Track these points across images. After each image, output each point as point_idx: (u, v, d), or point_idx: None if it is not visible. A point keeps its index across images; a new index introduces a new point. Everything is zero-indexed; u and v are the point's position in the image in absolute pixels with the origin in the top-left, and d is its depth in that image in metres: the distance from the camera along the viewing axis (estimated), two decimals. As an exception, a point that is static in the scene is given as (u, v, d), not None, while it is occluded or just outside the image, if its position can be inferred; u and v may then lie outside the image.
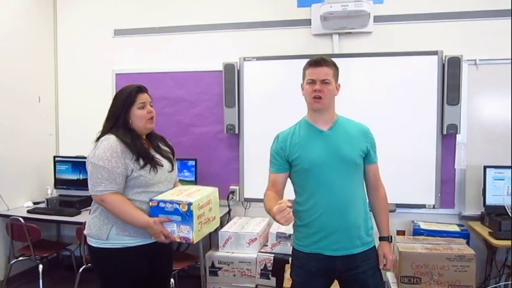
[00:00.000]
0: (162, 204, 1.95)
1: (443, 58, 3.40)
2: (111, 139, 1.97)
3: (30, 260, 3.64)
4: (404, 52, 3.51)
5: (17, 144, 3.90)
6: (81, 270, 3.47)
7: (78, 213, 3.69)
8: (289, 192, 2.06)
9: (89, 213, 2.16)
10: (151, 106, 2.09)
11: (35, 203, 3.97)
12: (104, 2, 4.23)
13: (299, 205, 2.01)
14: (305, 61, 3.67)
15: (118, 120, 2.02)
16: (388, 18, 3.63)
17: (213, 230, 2.23)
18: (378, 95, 3.51)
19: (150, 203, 1.98)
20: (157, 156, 2.08)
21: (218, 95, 3.83)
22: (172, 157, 2.19)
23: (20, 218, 3.45)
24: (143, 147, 2.03)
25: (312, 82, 1.95)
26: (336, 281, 2.04)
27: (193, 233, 1.94)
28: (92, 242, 2.04)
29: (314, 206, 1.95)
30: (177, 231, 1.95)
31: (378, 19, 3.61)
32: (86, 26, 4.28)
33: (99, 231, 2.01)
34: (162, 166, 2.06)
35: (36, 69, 4.16)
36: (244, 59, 3.76)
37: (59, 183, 4.15)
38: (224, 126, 3.80)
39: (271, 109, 3.72)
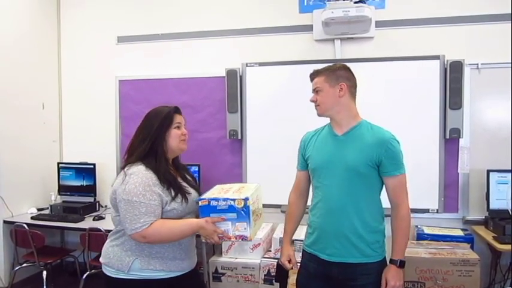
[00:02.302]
0: (213, 203, 1.82)
1: (445, 62, 3.41)
2: (140, 172, 1.82)
3: (34, 266, 3.66)
4: (406, 57, 3.52)
5: (21, 151, 3.91)
6: (85, 276, 3.48)
7: (82, 219, 3.71)
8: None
9: (109, 238, 1.97)
10: (185, 128, 2.01)
11: (39, 210, 3.98)
12: (107, 9, 4.27)
13: (311, 204, 2.10)
14: (307, 66, 3.68)
15: (155, 142, 1.89)
16: (390, 23, 3.64)
17: (260, 227, 2.11)
18: (380, 100, 3.51)
19: (200, 202, 1.84)
20: (185, 185, 1.96)
21: (221, 100, 3.84)
22: (197, 186, 2.07)
23: (24, 225, 3.47)
24: (172, 176, 1.91)
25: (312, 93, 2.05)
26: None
27: (250, 230, 1.82)
28: (111, 273, 1.88)
29: (315, 207, 2.03)
30: (232, 230, 1.82)
31: (380, 24, 3.62)
32: (90, 33, 4.31)
33: (119, 262, 1.85)
34: (190, 194, 1.93)
35: (40, 76, 4.18)
36: (247, 65, 3.78)
37: (62, 189, 4.17)
38: (227, 132, 3.81)
39: (274, 114, 3.73)
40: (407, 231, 1.96)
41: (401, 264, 1.91)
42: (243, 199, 1.80)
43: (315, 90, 2.01)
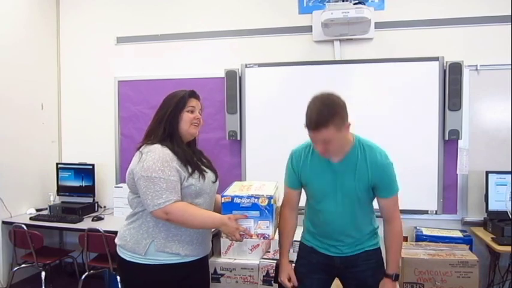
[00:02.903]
0: (237, 200, 1.80)
1: (445, 64, 3.41)
2: (157, 149, 1.83)
3: (33, 267, 3.65)
4: (406, 58, 3.52)
5: (20, 151, 3.91)
6: (83, 277, 3.47)
7: (81, 220, 3.70)
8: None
9: (126, 221, 1.97)
10: (200, 114, 2.01)
11: (37, 210, 3.98)
12: (106, 9, 4.26)
13: (307, 211, 2.12)
14: (306, 67, 3.69)
15: (171, 124, 1.91)
16: (389, 25, 3.64)
17: (278, 226, 2.07)
18: (379, 101, 3.51)
19: (223, 198, 1.83)
20: (201, 164, 1.98)
21: (220, 101, 3.84)
22: (213, 168, 2.07)
23: (23, 225, 3.46)
24: (189, 154, 1.93)
25: (315, 142, 1.84)
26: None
27: (272, 228, 1.81)
28: (126, 256, 1.88)
29: (316, 223, 2.05)
30: (254, 228, 1.80)
31: (379, 25, 3.63)
32: (89, 34, 4.31)
33: (136, 245, 1.85)
34: (207, 173, 1.95)
35: (39, 77, 4.18)
36: (246, 66, 3.78)
37: (61, 190, 4.17)
38: (226, 133, 3.81)
39: (273, 115, 3.73)
40: (401, 245, 2.03)
41: (396, 277, 1.97)
42: (267, 197, 1.79)
43: (323, 141, 1.77)
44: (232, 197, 1.82)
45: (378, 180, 1.90)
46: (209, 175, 1.97)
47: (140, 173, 1.80)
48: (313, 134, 1.78)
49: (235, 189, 1.92)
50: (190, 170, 1.87)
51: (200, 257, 1.97)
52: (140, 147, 1.91)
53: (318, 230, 2.05)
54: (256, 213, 1.80)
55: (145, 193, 1.79)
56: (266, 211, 1.79)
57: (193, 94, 2.00)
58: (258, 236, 1.83)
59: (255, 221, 1.81)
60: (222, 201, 1.84)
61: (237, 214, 1.80)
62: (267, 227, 1.81)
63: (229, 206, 1.82)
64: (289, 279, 2.06)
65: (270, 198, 1.79)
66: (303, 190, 2.08)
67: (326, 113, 1.72)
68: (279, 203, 2.04)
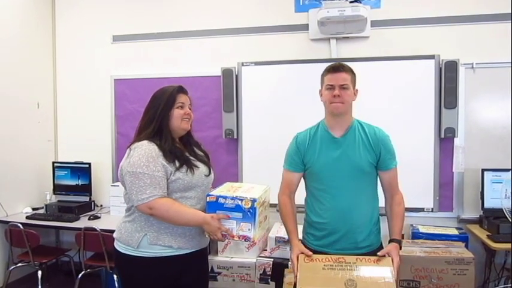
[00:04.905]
0: (221, 200, 1.83)
1: (440, 62, 3.42)
2: (143, 145, 1.87)
3: (29, 266, 3.64)
4: (402, 56, 3.53)
5: (16, 150, 3.90)
6: (80, 276, 3.47)
7: (77, 219, 3.70)
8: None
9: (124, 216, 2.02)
10: (189, 109, 2.04)
11: (34, 209, 3.97)
12: (102, 8, 4.25)
13: (309, 204, 2.14)
14: (303, 66, 3.71)
15: (162, 123, 1.94)
16: (385, 23, 3.65)
17: (265, 230, 2.10)
18: (375, 99, 3.51)
19: (208, 198, 1.86)
20: (192, 158, 2.00)
21: (216, 100, 3.84)
22: (208, 161, 2.10)
23: (19, 224, 3.45)
24: (178, 148, 1.95)
25: (331, 88, 1.99)
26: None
27: (254, 232, 1.82)
28: (121, 248, 1.93)
29: (321, 207, 2.07)
30: (236, 229, 1.82)
31: (375, 24, 3.63)
32: (85, 32, 4.30)
33: (129, 237, 1.90)
34: (198, 168, 1.97)
35: (35, 75, 4.17)
36: (243, 64, 3.77)
37: (58, 189, 4.16)
38: (223, 131, 3.80)
39: (270, 113, 3.73)
40: (404, 214, 2.11)
41: (400, 243, 2.03)
42: (250, 200, 1.80)
43: (342, 87, 1.97)
44: (217, 197, 1.84)
45: (380, 151, 2.03)
46: (201, 169, 1.99)
47: (126, 168, 1.85)
48: (333, 76, 1.98)
49: (222, 190, 1.93)
50: (178, 164, 1.89)
51: (195, 250, 1.97)
52: (131, 144, 1.94)
53: (326, 223, 2.04)
54: (239, 214, 1.81)
55: (130, 188, 1.84)
56: (249, 213, 1.80)
57: (181, 89, 2.04)
58: (239, 238, 1.84)
59: (238, 223, 1.82)
60: (207, 200, 1.86)
61: (220, 214, 1.82)
62: (249, 229, 1.82)
63: (214, 206, 1.84)
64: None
65: (253, 201, 1.80)
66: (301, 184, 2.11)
67: (347, 66, 2.03)
68: (267, 208, 2.04)
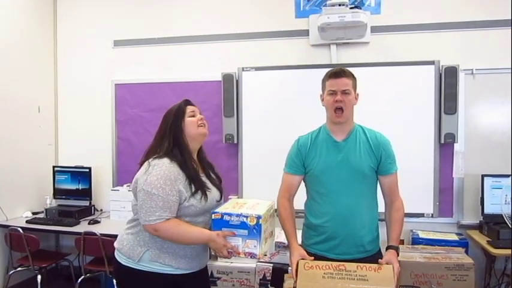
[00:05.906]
0: (226, 217, 1.82)
1: (440, 68, 3.43)
2: (164, 164, 1.84)
3: (29, 270, 3.63)
4: (402, 62, 3.54)
5: (17, 154, 3.90)
6: (79, 280, 3.46)
7: (77, 223, 3.70)
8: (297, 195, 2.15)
9: (126, 226, 2.02)
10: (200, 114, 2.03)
11: (34, 213, 3.97)
12: (103, 13, 4.27)
13: (309, 207, 2.15)
14: (303, 71, 3.72)
15: (176, 136, 1.92)
16: (385, 29, 3.66)
17: (271, 245, 2.10)
18: (375, 105, 3.51)
19: (213, 215, 1.85)
20: (207, 182, 1.98)
21: (217, 105, 3.85)
22: (220, 185, 2.08)
23: (19, 228, 3.45)
24: (195, 171, 1.92)
25: (333, 93, 2.01)
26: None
27: (260, 248, 1.82)
28: (122, 259, 1.91)
29: (321, 211, 2.08)
30: (242, 246, 1.82)
31: (375, 29, 3.65)
32: (86, 37, 4.31)
33: (131, 251, 1.89)
34: (211, 192, 1.94)
35: (36, 80, 4.18)
36: (243, 69, 3.78)
37: (58, 193, 4.16)
38: (223, 136, 3.81)
39: (270, 119, 3.74)
40: (403, 221, 2.11)
41: (398, 250, 2.03)
42: (255, 217, 1.80)
43: (344, 92, 1.99)
44: (222, 214, 1.83)
45: (381, 155, 2.05)
46: (213, 194, 1.96)
47: (142, 185, 1.82)
48: (335, 81, 2.00)
49: (227, 207, 1.92)
50: (193, 189, 1.87)
51: (195, 271, 1.97)
52: (143, 162, 1.90)
53: (327, 226, 2.04)
54: (245, 231, 1.81)
55: (141, 206, 1.82)
56: (254, 230, 1.80)
57: (188, 102, 2.03)
58: (245, 255, 1.84)
59: (243, 240, 1.82)
60: (212, 217, 1.85)
61: (225, 231, 1.82)
62: (255, 246, 1.82)
63: (219, 223, 1.83)
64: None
65: (258, 217, 1.80)
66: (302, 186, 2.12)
67: (347, 70, 2.05)
68: (272, 223, 2.03)
